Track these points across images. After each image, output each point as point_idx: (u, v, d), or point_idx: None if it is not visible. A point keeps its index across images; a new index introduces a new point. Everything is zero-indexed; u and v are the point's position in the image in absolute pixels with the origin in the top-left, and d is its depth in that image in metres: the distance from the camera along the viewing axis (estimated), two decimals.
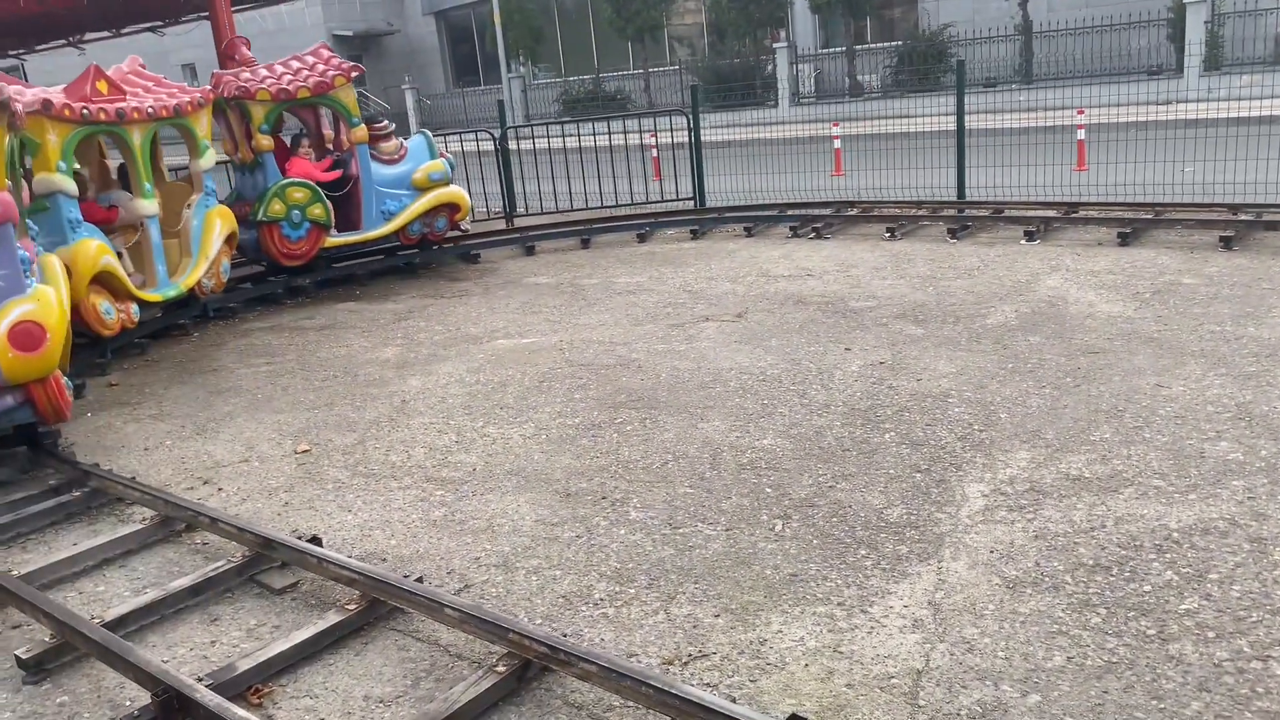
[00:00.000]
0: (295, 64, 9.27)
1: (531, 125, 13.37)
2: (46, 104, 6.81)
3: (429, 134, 10.10)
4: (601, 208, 11.74)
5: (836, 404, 5.17)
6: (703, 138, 11.92)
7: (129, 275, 7.49)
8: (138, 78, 8.08)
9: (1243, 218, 7.96)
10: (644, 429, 5.08)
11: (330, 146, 9.59)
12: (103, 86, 7.36)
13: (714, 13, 28.05)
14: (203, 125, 8.24)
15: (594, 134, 12.10)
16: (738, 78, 25.11)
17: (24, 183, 6.31)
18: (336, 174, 9.33)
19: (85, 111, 7.07)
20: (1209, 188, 9.44)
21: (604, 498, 4.31)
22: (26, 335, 5.01)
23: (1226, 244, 7.55)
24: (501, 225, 11.51)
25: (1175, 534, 3.59)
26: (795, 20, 28.40)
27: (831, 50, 27.07)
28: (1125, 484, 4.01)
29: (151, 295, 7.67)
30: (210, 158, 8.32)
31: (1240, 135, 9.79)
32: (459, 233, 10.42)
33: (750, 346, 6.31)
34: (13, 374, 4.99)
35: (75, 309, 6.60)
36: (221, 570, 3.86)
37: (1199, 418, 4.56)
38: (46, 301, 5.18)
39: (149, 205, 7.69)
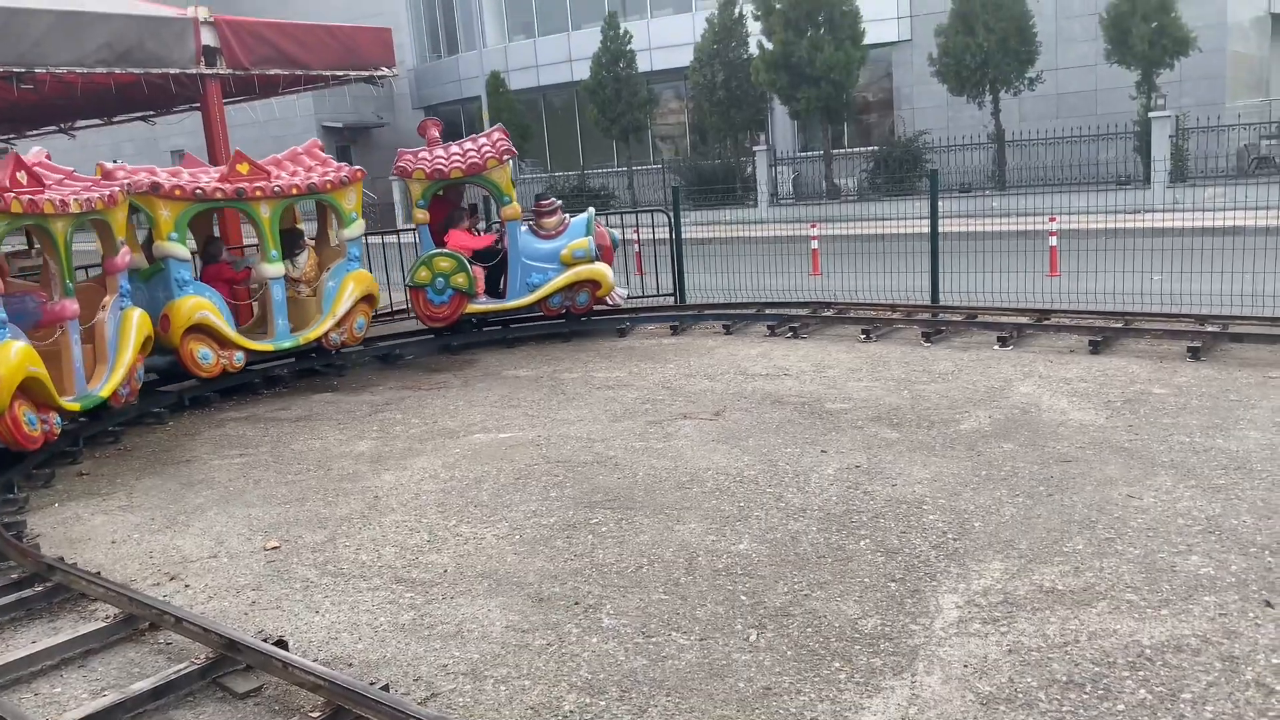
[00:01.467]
0: (467, 144, 10.25)
1: None
2: (155, 185, 8.17)
3: (592, 212, 10.71)
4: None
5: (813, 508, 5.17)
6: (684, 235, 12.12)
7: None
8: (309, 157, 9.48)
9: (1209, 329, 8.13)
10: (619, 530, 5.06)
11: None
12: (243, 168, 8.68)
13: (696, 115, 28.82)
14: (349, 200, 9.39)
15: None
16: (719, 177, 25.69)
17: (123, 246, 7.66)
18: (486, 241, 10.39)
19: (198, 190, 8.37)
20: (1177, 298, 9.66)
21: (577, 603, 4.27)
22: None
23: (1194, 354, 7.69)
24: None
25: (1148, 650, 3.58)
26: (775, 124, 29.22)
27: (810, 154, 27.78)
28: (1098, 597, 4.01)
29: (262, 345, 8.92)
30: (355, 228, 9.47)
31: (1206, 247, 10.07)
32: (607, 307, 10.73)
33: (728, 446, 6.33)
34: None
35: (176, 352, 8.28)
36: (184, 673, 3.77)
37: (1170, 530, 4.59)
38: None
39: (271, 269, 8.89)
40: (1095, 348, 8.17)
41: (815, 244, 13.63)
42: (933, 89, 25.42)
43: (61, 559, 4.98)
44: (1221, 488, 5.06)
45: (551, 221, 10.40)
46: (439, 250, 10.02)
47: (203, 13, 10.13)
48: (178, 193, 8.27)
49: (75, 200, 6.91)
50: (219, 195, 8.48)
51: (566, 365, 9.27)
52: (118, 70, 9.67)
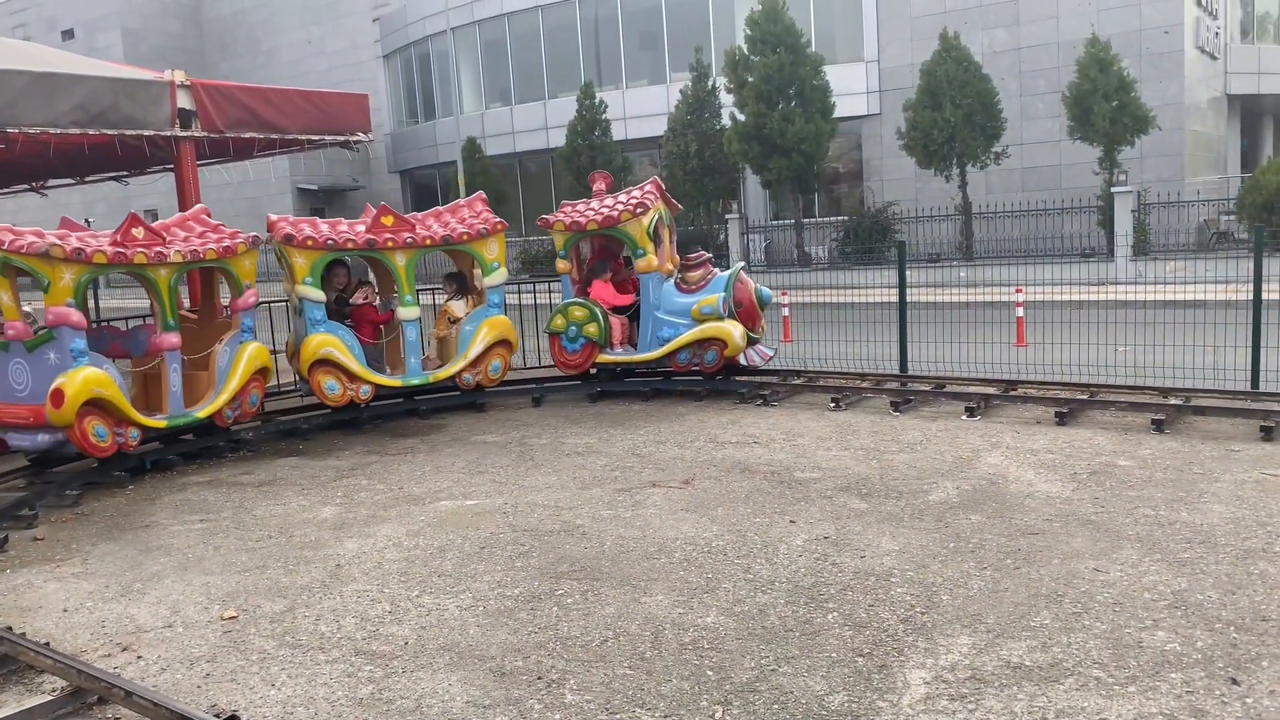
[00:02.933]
0: (620, 197, 10.39)
1: None
2: (288, 237, 9.13)
3: (738, 268, 10.49)
4: (551, 365, 11.83)
5: (781, 580, 5.13)
6: None
7: (426, 360, 10.04)
8: (469, 209, 10.24)
9: (1172, 401, 8.24)
10: (585, 602, 4.98)
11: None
12: (387, 220, 9.54)
13: (670, 183, 29.17)
14: (490, 250, 10.04)
15: (549, 292, 12.31)
16: (692, 244, 25.96)
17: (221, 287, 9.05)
18: (627, 299, 10.49)
19: (329, 241, 9.26)
20: (1141, 370, 9.79)
21: (540, 678, 4.18)
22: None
23: (1158, 427, 7.77)
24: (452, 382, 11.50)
25: None
26: (747, 193, 29.64)
27: (781, 222, 28.16)
28: (1066, 674, 3.98)
29: (390, 380, 9.78)
30: (495, 276, 10.10)
31: (1168, 320, 10.24)
32: (744, 366, 10.39)
33: (696, 515, 6.29)
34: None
35: (306, 382, 9.43)
36: None
37: (1136, 605, 4.59)
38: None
39: (407, 312, 9.75)
40: (1061, 419, 8.24)
41: (786, 311, 13.75)
42: (901, 162, 25.95)
43: (10, 628, 4.83)
44: (1187, 562, 5.08)
45: (695, 275, 10.39)
46: (574, 299, 10.40)
47: (179, 76, 10.18)
48: (309, 243, 9.19)
49: (176, 252, 8.16)
50: (349, 245, 9.39)
51: (536, 431, 9.22)
52: (92, 131, 9.66)
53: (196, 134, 10.41)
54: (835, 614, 4.68)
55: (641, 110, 31.82)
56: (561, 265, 10.58)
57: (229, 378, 8.63)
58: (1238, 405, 8.05)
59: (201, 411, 8.48)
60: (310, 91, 11.96)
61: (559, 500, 6.84)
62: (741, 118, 24.96)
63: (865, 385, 9.98)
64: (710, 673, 4.15)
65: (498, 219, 10.15)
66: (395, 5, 39.24)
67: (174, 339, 8.26)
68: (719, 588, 5.07)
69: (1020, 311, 12.32)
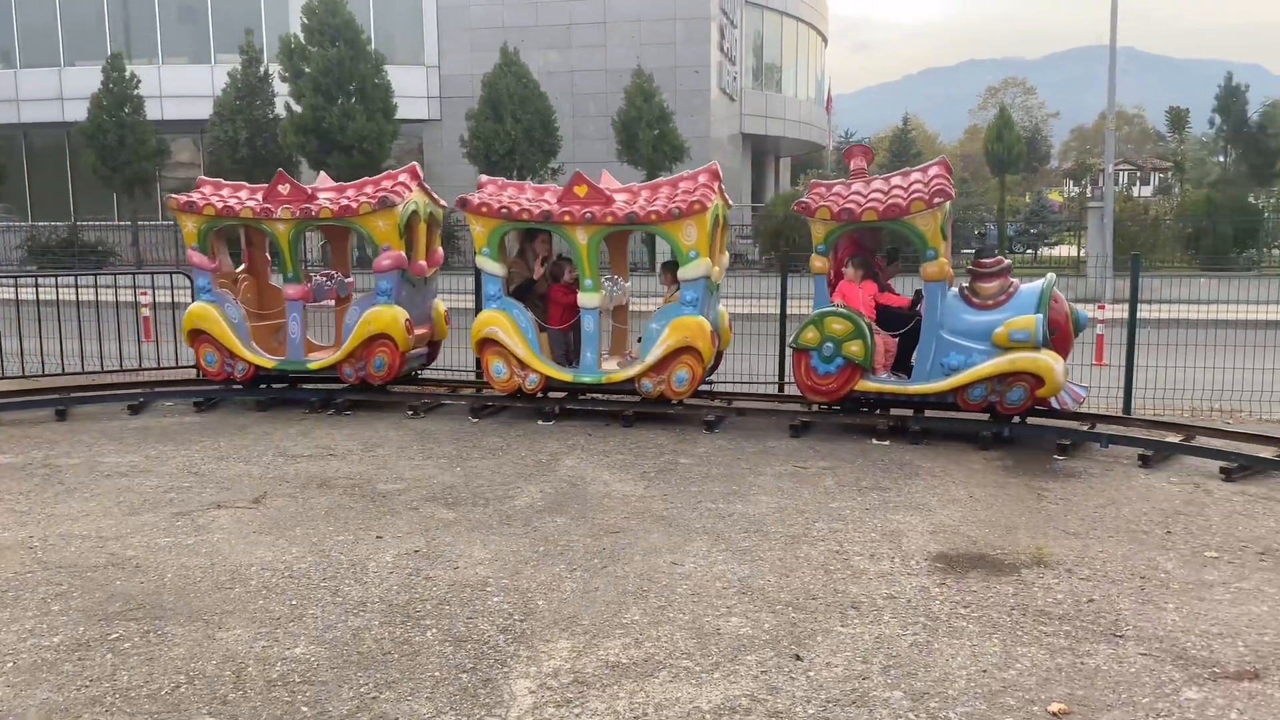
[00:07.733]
0: (895, 180, 8.29)
1: None
2: (463, 201, 8.82)
3: (1052, 279, 8.10)
4: (82, 374, 10.33)
5: (373, 600, 4.87)
6: None
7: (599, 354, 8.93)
8: (691, 181, 8.71)
9: (718, 404, 9.14)
10: (147, 645, 4.35)
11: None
12: (580, 190, 8.58)
13: (216, 172, 26.93)
14: (687, 235, 8.42)
15: (75, 286, 10.72)
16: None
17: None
18: (898, 302, 8.45)
19: (503, 210, 8.67)
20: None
21: None
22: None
23: (710, 427, 8.58)
24: None
25: (708, 715, 3.80)
26: None
27: None
28: (659, 667, 4.20)
29: (559, 374, 8.91)
30: (692, 268, 8.48)
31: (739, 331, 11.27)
32: (1053, 409, 8.09)
33: (272, 537, 5.79)
34: None
35: (478, 362, 9.41)
36: None
37: (711, 594, 4.98)
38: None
39: (587, 298, 8.79)
40: (628, 422, 8.77)
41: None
42: (463, 169, 26.28)
43: None
44: (747, 550, 5.62)
45: (990, 287, 8.11)
46: (833, 308, 8.22)
47: None
48: (484, 210, 8.69)
49: (286, 209, 8.95)
50: (524, 217, 8.66)
51: (64, 449, 7.96)
52: None
53: None
54: (434, 631, 4.54)
55: (181, 90, 29.10)
56: (818, 263, 8.38)
57: (351, 338, 9.05)
58: (770, 407, 9.13)
59: (314, 364, 9.25)
60: None
61: (101, 529, 5.94)
62: (298, 109, 23.77)
63: (441, 393, 9.90)
64: (306, 709, 3.82)
65: (697, 199, 8.32)
66: None
67: (292, 290, 9.18)
68: (306, 614, 4.70)
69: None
